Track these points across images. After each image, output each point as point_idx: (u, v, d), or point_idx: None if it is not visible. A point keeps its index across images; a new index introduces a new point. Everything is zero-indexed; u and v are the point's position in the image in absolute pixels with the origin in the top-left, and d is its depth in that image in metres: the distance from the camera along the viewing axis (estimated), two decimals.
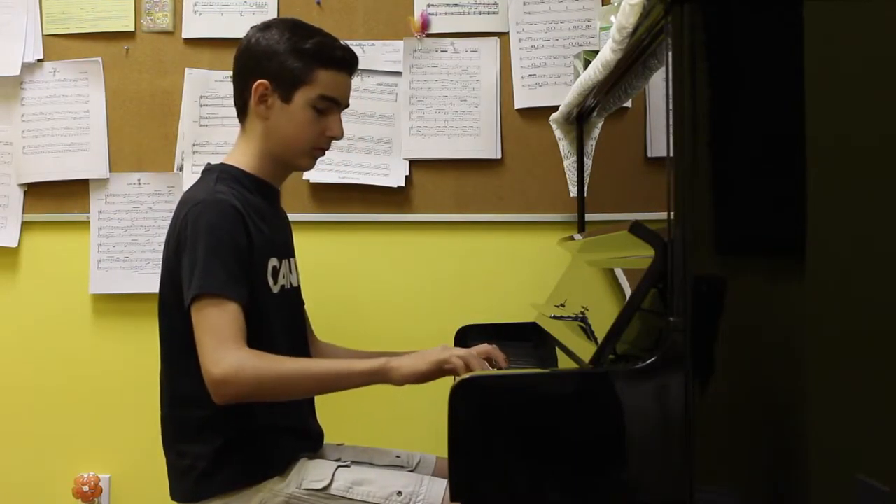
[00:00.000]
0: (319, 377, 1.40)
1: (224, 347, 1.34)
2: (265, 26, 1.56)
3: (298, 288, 1.69)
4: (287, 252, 1.64)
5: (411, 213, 2.25)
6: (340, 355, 1.75)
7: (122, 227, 2.28)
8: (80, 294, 2.29)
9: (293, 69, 1.51)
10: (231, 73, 1.60)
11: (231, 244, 1.41)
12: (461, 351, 1.40)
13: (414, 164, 2.24)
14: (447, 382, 1.26)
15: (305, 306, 1.77)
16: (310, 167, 1.63)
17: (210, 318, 1.36)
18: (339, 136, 1.59)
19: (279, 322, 1.52)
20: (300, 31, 1.55)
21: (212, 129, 2.25)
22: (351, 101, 1.63)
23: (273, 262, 1.53)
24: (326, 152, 1.62)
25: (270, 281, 1.51)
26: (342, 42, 1.58)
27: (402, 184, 2.23)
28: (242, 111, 1.58)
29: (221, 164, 1.57)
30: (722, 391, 1.13)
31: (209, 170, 1.56)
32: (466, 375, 1.21)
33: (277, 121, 1.54)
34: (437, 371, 1.38)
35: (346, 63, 1.57)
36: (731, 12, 1.14)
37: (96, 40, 2.28)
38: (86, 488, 2.23)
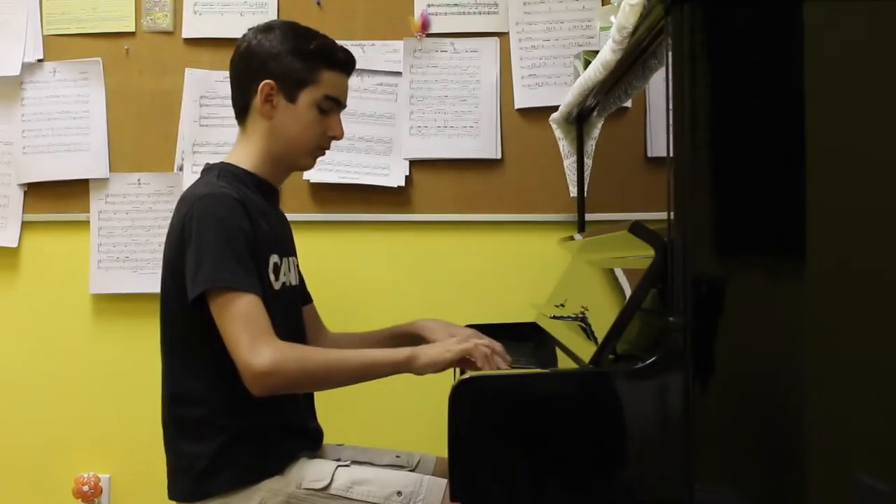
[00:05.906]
0: (353, 367, 1.43)
1: (262, 339, 1.35)
2: (266, 28, 1.57)
3: (297, 287, 1.69)
4: (288, 251, 1.65)
5: (411, 213, 2.25)
6: (355, 342, 1.76)
7: (122, 227, 2.28)
8: (80, 294, 2.29)
9: (298, 69, 1.53)
10: (229, 74, 1.60)
11: (240, 236, 1.42)
12: (484, 341, 1.46)
13: (414, 164, 2.24)
14: (447, 382, 1.26)
15: (314, 302, 1.79)
16: (310, 167, 1.65)
17: (238, 310, 1.36)
18: (340, 136, 1.61)
19: (280, 318, 1.52)
20: (302, 32, 1.57)
21: (212, 129, 2.25)
22: (351, 101, 1.64)
23: (274, 258, 1.53)
24: (326, 152, 1.64)
25: (272, 277, 1.52)
26: (340, 44, 1.61)
27: (402, 184, 2.23)
28: (243, 112, 1.58)
29: (221, 162, 1.57)
30: (722, 391, 1.13)
31: (209, 168, 1.57)
32: (466, 375, 1.21)
33: (282, 120, 1.55)
34: (460, 361, 1.42)
35: (348, 64, 1.61)
36: (731, 12, 1.14)
37: (96, 40, 2.28)
38: (86, 488, 2.23)
